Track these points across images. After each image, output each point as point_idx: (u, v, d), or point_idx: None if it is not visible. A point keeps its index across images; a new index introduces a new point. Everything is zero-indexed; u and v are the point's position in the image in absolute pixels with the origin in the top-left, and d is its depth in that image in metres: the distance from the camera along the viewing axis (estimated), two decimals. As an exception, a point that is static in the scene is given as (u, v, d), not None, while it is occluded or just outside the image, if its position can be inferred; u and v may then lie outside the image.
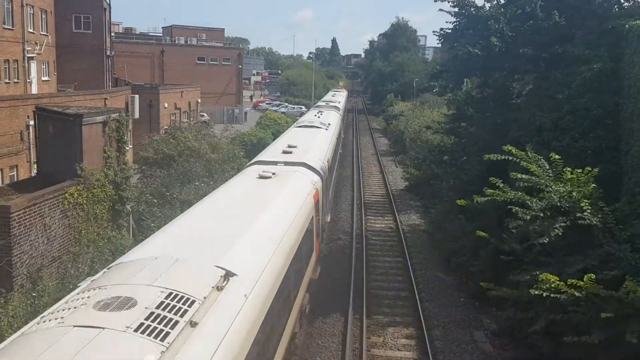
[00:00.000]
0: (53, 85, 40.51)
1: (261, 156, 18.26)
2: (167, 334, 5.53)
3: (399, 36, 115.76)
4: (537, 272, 12.14)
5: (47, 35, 39.41)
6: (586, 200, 12.47)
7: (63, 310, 6.03)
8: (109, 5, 45.16)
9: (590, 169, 13.09)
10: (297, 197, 13.16)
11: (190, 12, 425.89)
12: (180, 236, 9.01)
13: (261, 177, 13.78)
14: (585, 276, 10.62)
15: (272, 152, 18.99)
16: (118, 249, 17.33)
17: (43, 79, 38.67)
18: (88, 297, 6.21)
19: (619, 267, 11.38)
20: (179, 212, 18.78)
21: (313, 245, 14.58)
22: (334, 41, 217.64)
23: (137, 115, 36.41)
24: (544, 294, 11.00)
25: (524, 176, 13.47)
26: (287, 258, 10.01)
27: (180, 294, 6.32)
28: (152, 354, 5.15)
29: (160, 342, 5.35)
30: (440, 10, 21.40)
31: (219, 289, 6.89)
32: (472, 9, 20.70)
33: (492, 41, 19.21)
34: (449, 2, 21.00)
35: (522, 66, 20.82)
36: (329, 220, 21.81)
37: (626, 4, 20.43)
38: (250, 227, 9.65)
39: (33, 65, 36.42)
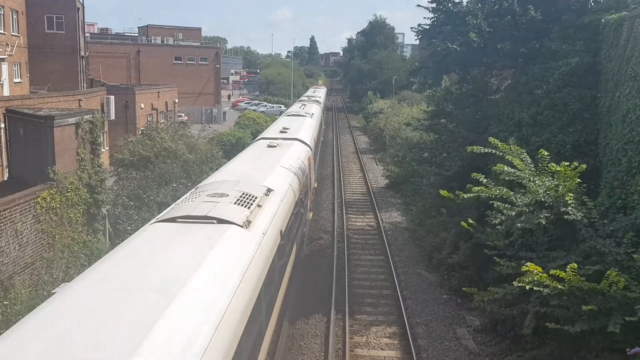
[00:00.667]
0: (26, 87, 39.63)
1: (264, 134, 23.95)
2: (249, 207, 10.49)
3: (377, 34, 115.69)
4: (522, 261, 12.09)
5: (18, 36, 38.54)
6: (571, 194, 12.43)
7: (187, 199, 11.02)
8: (82, 5, 44.32)
9: (577, 164, 13.05)
10: (298, 156, 18.83)
11: (166, 11, 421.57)
12: (233, 171, 14.43)
13: (269, 146, 19.18)
14: (568, 266, 10.54)
15: (271, 132, 24.54)
16: (94, 253, 16.93)
17: (15, 80, 37.79)
18: (199, 194, 11.08)
19: (602, 262, 11.34)
20: (156, 214, 18.58)
21: (310, 190, 21.61)
22: (312, 40, 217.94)
23: (113, 117, 35.73)
24: (527, 287, 10.90)
25: (509, 169, 13.36)
26: (300, 185, 16.37)
27: (249, 193, 11.33)
28: (247, 212, 10.11)
29: (247, 209, 10.32)
30: (418, 5, 21.37)
31: (266, 194, 12.06)
32: (450, 5, 20.67)
33: (470, 37, 19.18)
34: None
35: (500, 61, 20.85)
36: (315, 185, 28.16)
37: (602, -2, 20.55)
38: (274, 168, 15.22)
39: (4, 67, 35.56)
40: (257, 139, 22.94)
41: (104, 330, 5.74)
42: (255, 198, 11.17)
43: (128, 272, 7.29)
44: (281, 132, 22.99)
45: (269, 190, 12.44)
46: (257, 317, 8.78)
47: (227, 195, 10.80)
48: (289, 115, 32.89)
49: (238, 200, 10.60)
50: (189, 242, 8.51)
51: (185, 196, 11.66)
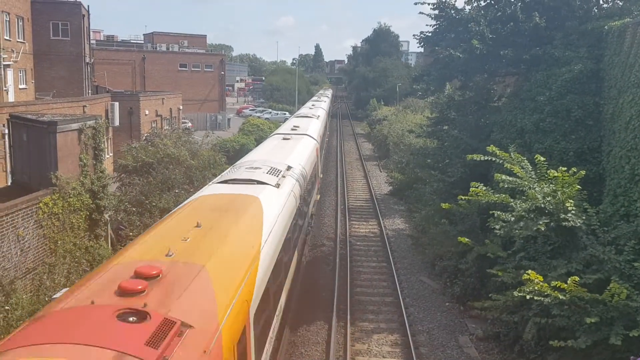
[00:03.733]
0: (31, 93, 39.82)
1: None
2: (277, 176, 14.41)
3: (382, 41, 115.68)
4: (522, 271, 12.04)
5: (24, 43, 38.78)
6: (571, 201, 12.35)
7: (229, 171, 15.68)
8: (88, 12, 44.57)
9: (575, 170, 12.99)
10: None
11: (172, 19, 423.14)
12: (263, 152, 19.58)
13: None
14: (569, 279, 10.46)
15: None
16: (96, 259, 16.93)
17: (20, 87, 37.98)
18: (239, 167, 15.59)
19: (603, 270, 11.25)
20: (158, 219, 18.61)
21: (319, 162, 28.31)
22: (317, 47, 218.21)
23: (117, 123, 35.84)
24: (528, 297, 10.82)
25: (508, 178, 13.33)
26: (312, 160, 22.59)
27: (276, 168, 15.44)
28: (276, 178, 14.03)
29: (275, 176, 14.13)
30: (421, 13, 21.42)
31: (288, 169, 16.14)
32: (453, 12, 20.65)
33: (473, 44, 19.15)
34: (429, 4, 20.96)
35: (502, 68, 20.82)
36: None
37: (605, 5, 20.52)
38: (293, 151, 20.28)
39: (10, 73, 35.75)
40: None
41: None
42: (279, 172, 15.43)
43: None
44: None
45: (289, 167, 17.72)
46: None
47: (261, 167, 15.34)
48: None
49: (268, 171, 14.85)
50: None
51: (228, 169, 17.33)
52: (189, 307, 6.38)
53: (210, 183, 13.83)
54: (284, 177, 14.75)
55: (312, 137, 25.91)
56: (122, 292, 6.29)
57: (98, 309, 6.00)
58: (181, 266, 7.29)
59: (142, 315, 5.88)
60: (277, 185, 13.55)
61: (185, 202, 11.84)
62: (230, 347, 6.56)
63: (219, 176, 14.74)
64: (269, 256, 9.73)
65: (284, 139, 23.24)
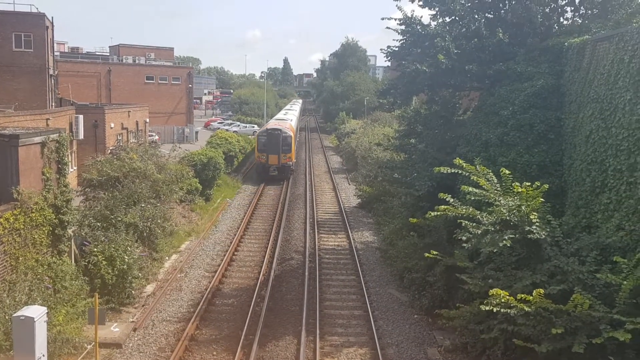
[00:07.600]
0: (-8, 105, 38.74)
1: (285, 109, 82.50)
2: (290, 119, 56.08)
3: (349, 55, 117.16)
4: (489, 281, 12.19)
5: (-16, 54, 37.81)
6: (535, 214, 12.62)
7: (274, 118, 63.27)
8: (52, 23, 43.80)
9: (539, 184, 13.29)
10: (297, 109, 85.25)
11: (139, 33, 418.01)
12: (280, 116, 62.71)
13: (289, 110, 76.84)
14: (535, 291, 10.68)
15: (284, 109, 79.73)
16: (58, 275, 16.50)
17: (-20, 99, 36.96)
18: (275, 119, 59.33)
19: (567, 281, 11.50)
20: (123, 235, 18.30)
21: (298, 124, 75.83)
22: (285, 61, 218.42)
23: (81, 136, 35.11)
24: (495, 310, 11.00)
25: (475, 190, 13.54)
26: (297, 122, 69.93)
27: (289, 118, 57.11)
28: (290, 120, 55.46)
29: (290, 119, 55.58)
30: (388, 28, 21.67)
31: (292, 119, 57.74)
32: (419, 27, 21.00)
33: (439, 58, 19.49)
34: (395, 20, 21.29)
35: (467, 83, 21.22)
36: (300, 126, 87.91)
37: (565, 22, 21.18)
38: (291, 117, 60.14)
39: (-31, 85, 34.79)
40: (283, 109, 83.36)
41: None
42: (288, 121, 53.62)
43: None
44: (289, 110, 74.35)
45: (292, 118, 59.19)
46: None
47: (285, 120, 53.96)
48: (291, 104, 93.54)
49: (285, 119, 55.37)
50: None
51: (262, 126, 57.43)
52: (287, 128, 45.76)
53: (270, 120, 60.60)
54: (291, 121, 53.67)
55: (295, 116, 63.18)
56: (276, 125, 46.83)
57: (275, 125, 47.13)
58: (281, 125, 46.06)
59: (282, 127, 45.18)
60: (291, 122, 52.90)
61: (266, 124, 58.14)
62: (294, 134, 51.31)
63: (274, 117, 64.67)
64: (294, 128, 52.97)
65: (285, 114, 62.06)
